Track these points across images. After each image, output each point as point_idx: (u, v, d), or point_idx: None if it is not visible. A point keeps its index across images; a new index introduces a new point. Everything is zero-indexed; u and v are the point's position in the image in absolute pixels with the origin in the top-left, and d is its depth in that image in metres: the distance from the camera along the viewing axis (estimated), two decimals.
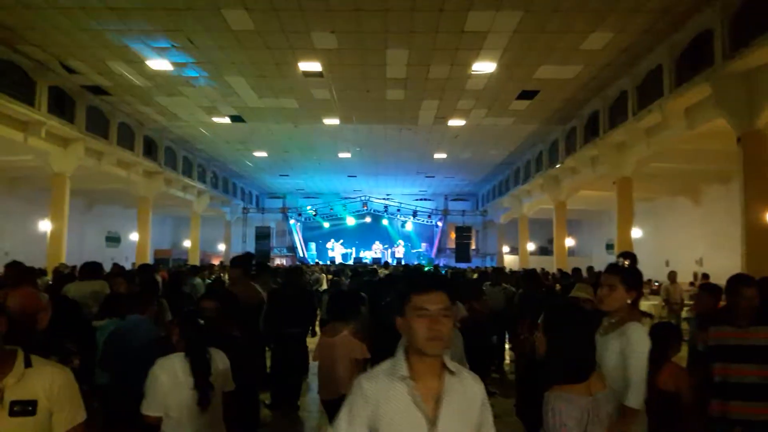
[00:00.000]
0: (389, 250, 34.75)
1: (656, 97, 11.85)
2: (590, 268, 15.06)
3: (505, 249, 31.21)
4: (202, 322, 3.37)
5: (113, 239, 28.29)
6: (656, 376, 3.34)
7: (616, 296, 3.31)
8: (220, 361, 3.30)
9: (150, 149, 19.32)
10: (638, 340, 3.14)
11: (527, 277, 9.24)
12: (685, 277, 17.02)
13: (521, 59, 12.31)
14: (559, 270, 16.70)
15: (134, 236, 22.12)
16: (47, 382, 2.07)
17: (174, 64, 12.71)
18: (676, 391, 3.42)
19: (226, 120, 17.54)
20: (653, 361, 3.21)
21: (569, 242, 24.13)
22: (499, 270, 12.75)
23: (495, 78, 13.47)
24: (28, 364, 2.05)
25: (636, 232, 17.00)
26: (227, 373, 3.35)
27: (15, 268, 5.99)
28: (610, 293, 3.31)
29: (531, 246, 27.86)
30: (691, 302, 13.45)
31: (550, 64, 12.62)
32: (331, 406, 4.36)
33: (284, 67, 12.86)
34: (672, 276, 12.98)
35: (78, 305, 4.90)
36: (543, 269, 17.74)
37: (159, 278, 9.11)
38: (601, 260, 26.36)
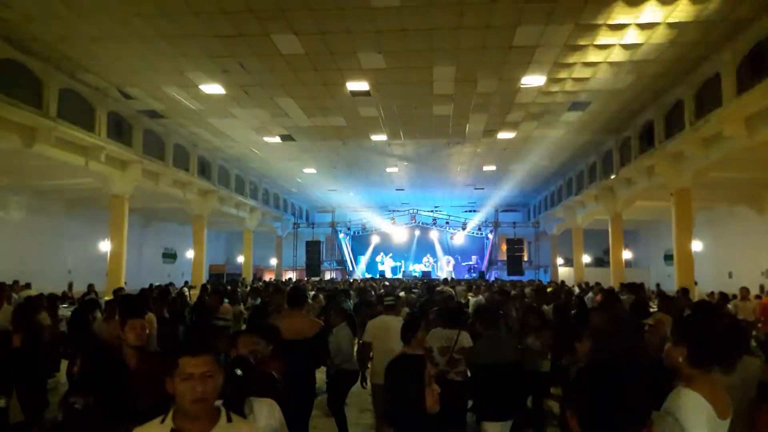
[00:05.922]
0: (438, 264, 34.54)
1: (715, 106, 11.37)
2: (658, 287, 14.18)
3: (559, 261, 30.52)
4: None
5: (170, 256, 29.05)
6: None
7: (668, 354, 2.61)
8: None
9: (204, 169, 19.87)
10: (686, 417, 2.23)
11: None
12: (751, 290, 16.23)
13: (572, 72, 12.07)
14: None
15: (190, 253, 22.70)
16: None
17: (226, 87, 13.02)
18: None
19: (277, 139, 17.85)
20: None
21: (626, 254, 23.33)
22: (541, 290, 12.29)
23: (545, 91, 13.26)
24: (229, 419, 2.26)
25: (696, 244, 16.33)
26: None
27: (127, 299, 6.01)
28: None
29: (586, 258, 27.09)
30: (762, 318, 12.76)
31: (601, 76, 12.33)
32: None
33: (332, 87, 13.00)
34: (743, 292, 12.23)
35: None
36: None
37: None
38: (659, 272, 25.51)
